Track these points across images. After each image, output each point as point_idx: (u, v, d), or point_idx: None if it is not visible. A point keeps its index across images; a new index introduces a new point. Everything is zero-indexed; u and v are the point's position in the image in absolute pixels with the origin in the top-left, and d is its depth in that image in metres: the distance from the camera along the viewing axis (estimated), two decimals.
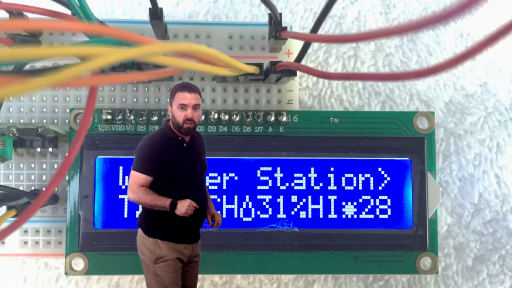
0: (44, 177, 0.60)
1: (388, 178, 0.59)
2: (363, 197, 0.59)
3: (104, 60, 0.26)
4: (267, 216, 0.58)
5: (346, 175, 0.59)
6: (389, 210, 0.59)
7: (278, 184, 0.58)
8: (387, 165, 0.59)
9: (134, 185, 0.45)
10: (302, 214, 0.58)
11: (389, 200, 0.59)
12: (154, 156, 0.45)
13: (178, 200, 0.44)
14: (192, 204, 0.44)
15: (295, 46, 0.61)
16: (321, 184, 0.58)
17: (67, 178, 0.57)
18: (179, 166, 0.46)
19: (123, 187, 0.57)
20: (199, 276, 0.61)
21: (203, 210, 0.47)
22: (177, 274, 0.46)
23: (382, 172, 0.59)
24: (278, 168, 0.58)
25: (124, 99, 0.60)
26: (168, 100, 0.60)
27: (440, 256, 0.63)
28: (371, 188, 0.59)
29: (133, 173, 0.46)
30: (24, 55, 0.24)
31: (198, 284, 0.62)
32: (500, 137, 0.65)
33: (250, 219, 0.58)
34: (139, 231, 0.47)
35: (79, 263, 0.57)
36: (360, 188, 0.59)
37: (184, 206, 0.44)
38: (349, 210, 0.59)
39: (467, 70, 0.66)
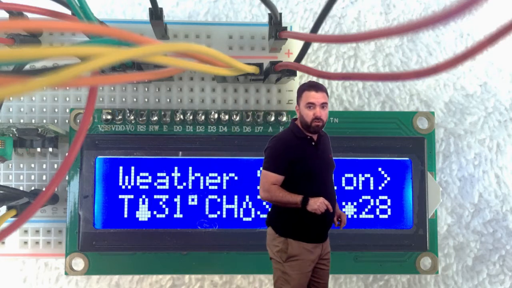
0: (44, 177, 0.60)
1: (388, 178, 0.59)
2: (363, 197, 0.59)
3: (104, 60, 0.26)
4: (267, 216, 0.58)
5: (346, 175, 0.59)
6: (389, 210, 0.59)
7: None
8: (387, 165, 0.59)
9: (266, 183, 0.45)
10: None
11: (389, 200, 0.59)
12: (284, 156, 0.46)
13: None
14: (325, 202, 0.44)
15: (295, 46, 0.61)
16: None
17: (67, 178, 0.57)
18: (309, 165, 0.46)
19: (123, 187, 0.57)
20: (199, 276, 0.62)
21: (333, 209, 0.47)
22: (306, 275, 0.46)
23: (382, 172, 0.59)
24: None
25: (124, 99, 0.60)
26: (168, 100, 0.60)
27: (440, 256, 0.63)
28: (371, 188, 0.59)
29: (265, 172, 0.46)
30: (24, 55, 0.24)
31: (198, 284, 0.62)
32: (500, 137, 0.65)
33: (250, 219, 0.58)
34: (270, 229, 0.47)
35: (79, 263, 0.57)
36: (360, 188, 0.59)
37: (316, 203, 0.44)
38: (349, 210, 0.59)
39: (467, 70, 0.66)
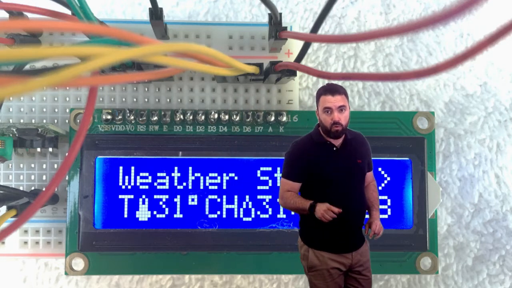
0: (44, 177, 0.60)
1: (388, 178, 0.59)
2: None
3: (104, 60, 0.26)
4: (267, 216, 0.58)
5: None
6: (389, 210, 0.59)
7: (278, 184, 0.58)
8: (387, 165, 0.59)
9: (281, 190, 0.45)
10: None
11: (389, 200, 0.59)
12: (299, 162, 0.45)
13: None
14: (331, 208, 0.42)
15: (295, 46, 0.61)
16: None
17: (67, 178, 0.57)
18: (325, 172, 0.44)
19: (123, 187, 0.57)
20: (199, 276, 0.62)
21: (355, 216, 0.45)
22: (333, 284, 0.44)
23: (382, 172, 0.59)
24: (278, 168, 0.58)
25: (124, 99, 0.60)
26: (168, 100, 0.61)
27: (440, 256, 0.63)
28: None
29: (282, 179, 0.46)
30: (24, 55, 0.24)
31: (198, 284, 0.62)
32: (500, 137, 0.65)
33: (250, 219, 0.58)
34: (299, 236, 0.47)
35: (79, 263, 0.57)
36: None
37: (320, 209, 0.42)
38: None
39: (467, 70, 0.66)
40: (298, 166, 0.45)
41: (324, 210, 0.42)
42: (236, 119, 0.58)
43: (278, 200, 0.46)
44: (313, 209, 0.43)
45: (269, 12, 0.52)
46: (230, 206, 0.58)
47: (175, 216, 0.57)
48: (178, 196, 0.58)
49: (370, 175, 0.48)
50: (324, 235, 0.44)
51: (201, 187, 0.58)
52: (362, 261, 0.46)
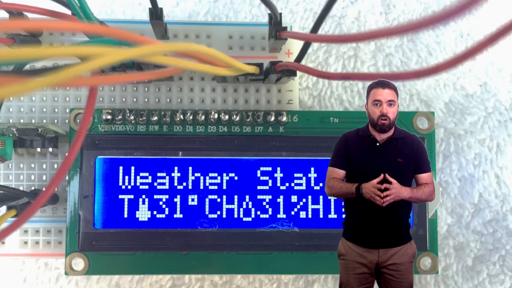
0: (44, 177, 0.60)
1: None
2: None
3: (104, 60, 0.26)
4: (267, 216, 0.58)
5: None
6: None
7: (278, 184, 0.58)
8: None
9: (327, 178, 0.47)
10: (302, 214, 0.58)
11: None
12: (341, 150, 0.47)
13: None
14: (377, 186, 0.43)
15: (295, 46, 0.61)
16: (321, 184, 0.58)
17: (67, 178, 0.57)
18: (362, 164, 0.45)
19: (123, 187, 0.57)
20: (199, 276, 0.62)
21: (384, 213, 0.44)
22: (354, 277, 0.44)
23: None
24: (278, 168, 0.58)
25: (124, 99, 0.60)
26: (168, 100, 0.61)
27: (440, 256, 0.63)
28: None
29: (328, 168, 0.47)
30: (24, 55, 0.24)
31: (198, 284, 0.62)
32: (500, 137, 0.65)
33: (250, 219, 0.58)
34: None
35: (79, 263, 0.57)
36: None
37: (369, 187, 0.43)
38: None
39: (467, 70, 0.66)
40: (340, 154, 0.47)
41: (373, 186, 0.43)
42: (236, 119, 0.58)
43: (325, 190, 0.47)
44: (360, 191, 0.44)
45: (269, 12, 0.52)
46: (230, 206, 0.58)
47: (175, 216, 0.57)
48: (178, 196, 0.58)
49: (424, 178, 0.47)
50: (352, 227, 0.46)
51: (201, 187, 0.58)
52: (395, 262, 0.45)
